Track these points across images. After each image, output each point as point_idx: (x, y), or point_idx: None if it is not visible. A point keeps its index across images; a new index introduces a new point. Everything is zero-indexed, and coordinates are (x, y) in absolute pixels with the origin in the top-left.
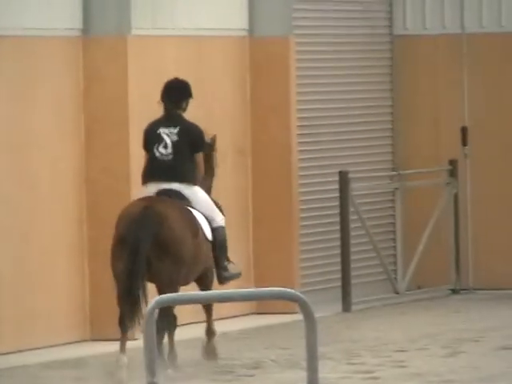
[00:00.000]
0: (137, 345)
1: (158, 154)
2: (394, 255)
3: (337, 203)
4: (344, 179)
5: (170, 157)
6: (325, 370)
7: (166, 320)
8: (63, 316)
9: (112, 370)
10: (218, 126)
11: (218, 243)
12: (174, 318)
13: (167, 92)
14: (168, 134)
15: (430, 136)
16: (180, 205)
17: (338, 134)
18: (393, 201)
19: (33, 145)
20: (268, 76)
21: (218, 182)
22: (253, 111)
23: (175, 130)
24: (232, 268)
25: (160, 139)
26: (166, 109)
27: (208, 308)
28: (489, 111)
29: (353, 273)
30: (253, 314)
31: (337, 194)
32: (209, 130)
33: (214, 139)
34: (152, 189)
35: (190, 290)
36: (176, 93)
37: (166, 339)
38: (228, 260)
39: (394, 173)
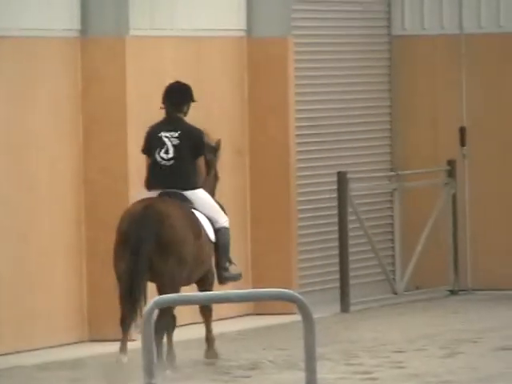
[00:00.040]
0: (135, 346)
1: (159, 159)
2: (393, 256)
3: (335, 203)
4: (342, 179)
5: (172, 161)
6: (323, 371)
7: (165, 320)
8: (61, 317)
9: (111, 370)
10: (217, 126)
11: (221, 244)
12: (174, 318)
13: (168, 95)
14: (169, 138)
15: (428, 136)
16: (182, 205)
17: (336, 134)
18: (391, 201)
19: (31, 145)
20: (266, 76)
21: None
22: (251, 111)
23: (176, 134)
24: (233, 269)
25: (161, 143)
26: (167, 112)
27: (207, 316)
28: (487, 111)
29: (351, 273)
30: (251, 314)
31: (335, 195)
32: (207, 130)
33: (218, 144)
34: (154, 194)
35: (190, 291)
36: (177, 96)
37: (164, 339)
38: (230, 261)
39: (393, 173)
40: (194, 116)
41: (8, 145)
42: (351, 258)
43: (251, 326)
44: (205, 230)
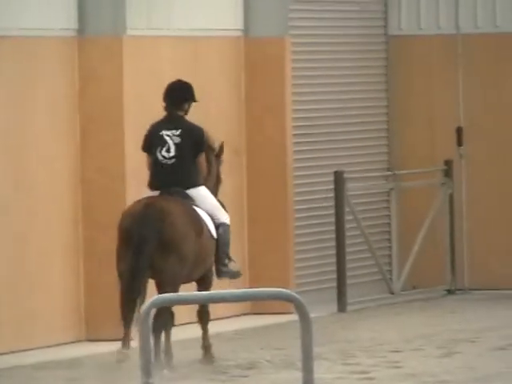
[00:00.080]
0: (132, 345)
1: (160, 158)
2: (390, 255)
3: (332, 203)
4: (339, 179)
5: (173, 160)
6: (320, 371)
7: (164, 318)
8: (58, 316)
9: (108, 370)
10: (214, 125)
11: (221, 240)
12: (172, 315)
13: (169, 93)
14: (171, 137)
15: (425, 136)
16: (183, 202)
17: (333, 134)
18: (388, 201)
19: (28, 145)
20: (263, 76)
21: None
22: (248, 111)
23: (177, 132)
24: (232, 266)
25: (163, 142)
26: (168, 110)
27: (204, 321)
28: (484, 111)
29: (348, 273)
30: (248, 314)
31: (332, 194)
32: (207, 130)
33: (221, 146)
34: (156, 192)
35: (189, 289)
36: (178, 94)
37: (162, 338)
38: (229, 258)
39: (390, 173)
40: (190, 116)
41: (5, 144)
42: (348, 257)
43: (248, 326)
44: (207, 226)
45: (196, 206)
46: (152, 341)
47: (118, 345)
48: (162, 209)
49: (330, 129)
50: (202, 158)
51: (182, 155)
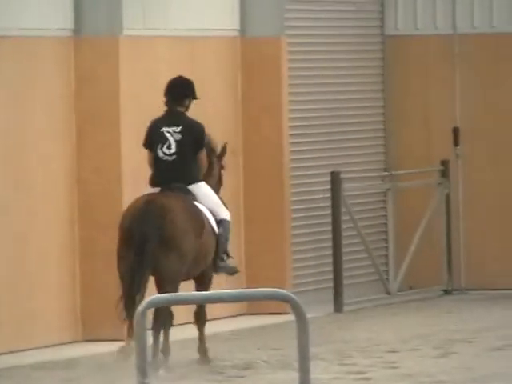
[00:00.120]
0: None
1: (161, 155)
2: (386, 256)
3: (329, 203)
4: (336, 179)
5: (174, 157)
6: (317, 371)
7: (163, 317)
8: (55, 317)
9: (104, 370)
10: (210, 125)
11: (220, 235)
12: (171, 314)
13: (170, 89)
14: (172, 133)
15: (421, 136)
16: (184, 198)
17: (329, 134)
18: (385, 201)
19: (24, 145)
20: (260, 76)
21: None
22: (245, 111)
23: (178, 129)
24: (230, 262)
25: (164, 139)
26: (169, 106)
27: (200, 323)
28: (480, 111)
29: (345, 273)
30: (244, 314)
31: (329, 195)
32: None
33: (224, 147)
34: (157, 189)
35: (188, 288)
36: (179, 90)
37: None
38: (227, 254)
39: (386, 173)
40: (188, 115)
41: (5, 144)
42: (345, 257)
43: (245, 326)
44: (209, 222)
45: (197, 201)
46: (151, 340)
47: (115, 345)
48: (162, 205)
49: (327, 129)
50: (203, 154)
51: (183, 152)
